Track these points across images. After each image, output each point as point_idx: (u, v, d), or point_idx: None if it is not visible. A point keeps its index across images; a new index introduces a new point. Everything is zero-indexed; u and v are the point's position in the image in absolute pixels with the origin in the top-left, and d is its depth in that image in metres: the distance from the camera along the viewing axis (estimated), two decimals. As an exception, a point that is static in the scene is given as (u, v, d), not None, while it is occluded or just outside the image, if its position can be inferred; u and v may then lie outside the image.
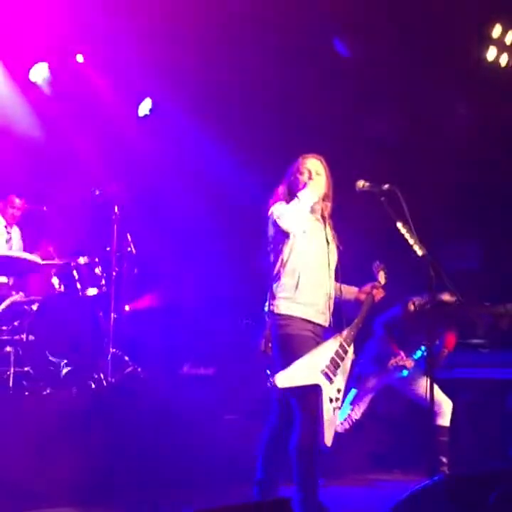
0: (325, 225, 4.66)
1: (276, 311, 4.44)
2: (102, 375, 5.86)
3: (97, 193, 6.30)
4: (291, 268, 4.48)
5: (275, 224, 4.50)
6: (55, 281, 5.70)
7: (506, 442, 6.56)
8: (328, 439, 4.30)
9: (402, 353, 6.16)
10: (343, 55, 7.69)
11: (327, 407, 4.31)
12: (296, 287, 4.46)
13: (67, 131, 7.13)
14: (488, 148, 7.83)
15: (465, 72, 7.60)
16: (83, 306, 6.00)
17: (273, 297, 4.47)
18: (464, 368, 7.06)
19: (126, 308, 6.78)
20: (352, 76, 7.79)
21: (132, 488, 5.08)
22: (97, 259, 6.20)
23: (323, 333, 4.53)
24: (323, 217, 4.67)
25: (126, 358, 6.18)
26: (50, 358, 5.57)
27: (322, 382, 4.32)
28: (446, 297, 5.89)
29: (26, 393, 5.40)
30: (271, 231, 4.56)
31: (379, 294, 4.82)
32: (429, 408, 4.46)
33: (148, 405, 5.59)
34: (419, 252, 4.47)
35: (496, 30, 7.47)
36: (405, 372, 6.20)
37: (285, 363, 4.33)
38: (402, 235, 4.51)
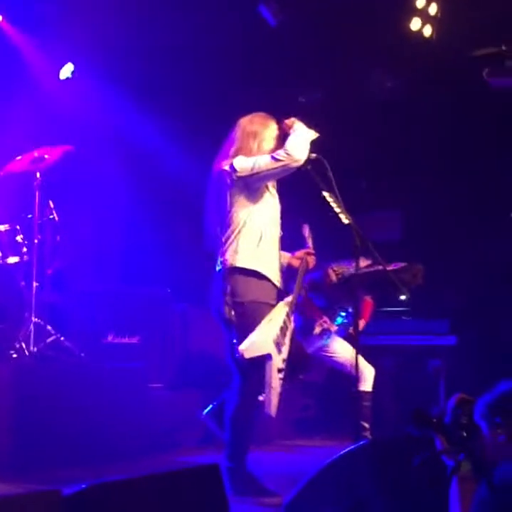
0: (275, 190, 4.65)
1: (240, 265, 4.34)
2: (23, 345, 5.75)
3: (18, 158, 6.14)
4: (254, 223, 4.41)
5: (251, 175, 4.39)
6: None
7: (427, 407, 6.71)
8: (274, 410, 4.29)
9: (326, 318, 6.20)
10: (270, 23, 7.63)
11: (276, 378, 4.27)
12: (258, 244, 4.39)
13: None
14: (409, 118, 7.92)
15: (389, 43, 7.65)
16: (4, 275, 5.87)
17: (235, 252, 4.36)
18: (387, 335, 7.18)
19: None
20: (278, 43, 7.76)
21: (54, 460, 5.00)
22: (18, 227, 6.04)
23: (277, 296, 4.49)
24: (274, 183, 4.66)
25: (49, 327, 6.07)
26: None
27: (273, 352, 4.29)
28: (361, 263, 5.92)
29: None
30: (233, 185, 4.43)
31: (312, 261, 4.83)
32: (352, 374, 4.52)
33: (72, 374, 5.52)
34: (345, 221, 4.51)
35: (420, 1, 7.51)
36: (327, 340, 6.24)
37: (247, 330, 4.27)
38: (328, 203, 4.54)
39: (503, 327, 7.24)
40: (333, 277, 6.19)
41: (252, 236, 4.40)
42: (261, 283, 4.39)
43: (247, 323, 4.30)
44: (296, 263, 4.79)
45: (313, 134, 4.51)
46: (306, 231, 4.99)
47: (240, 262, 4.37)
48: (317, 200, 4.61)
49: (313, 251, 4.89)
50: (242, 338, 4.27)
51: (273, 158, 4.38)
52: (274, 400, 4.29)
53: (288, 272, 4.76)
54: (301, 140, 4.43)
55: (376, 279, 5.87)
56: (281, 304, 4.46)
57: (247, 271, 4.37)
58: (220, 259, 4.45)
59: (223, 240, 4.44)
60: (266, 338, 4.28)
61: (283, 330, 4.38)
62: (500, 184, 7.61)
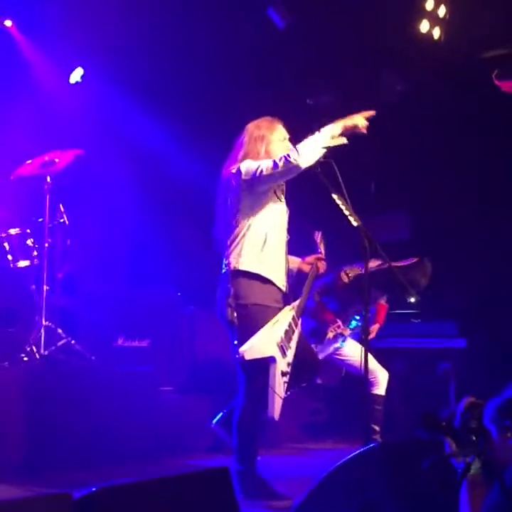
0: (283, 195, 4.66)
1: (243, 268, 4.35)
2: (34, 348, 5.78)
3: (29, 162, 6.17)
4: (259, 227, 4.41)
5: (252, 179, 4.37)
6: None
7: (437, 410, 6.69)
8: (277, 413, 4.28)
9: (339, 322, 6.20)
10: (279, 26, 7.63)
11: (279, 381, 4.26)
12: (262, 248, 4.39)
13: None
14: (417, 119, 7.91)
15: (398, 45, 7.65)
16: (15, 278, 5.89)
17: (239, 255, 4.38)
18: (397, 338, 7.17)
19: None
20: (286, 46, 7.77)
21: (64, 463, 5.01)
22: (28, 230, 6.07)
23: (283, 300, 4.50)
24: (282, 187, 4.66)
25: (60, 331, 6.10)
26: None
27: (277, 355, 4.27)
28: (370, 264, 5.89)
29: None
30: (239, 189, 4.43)
31: (323, 266, 4.83)
32: (364, 377, 4.50)
33: (83, 377, 5.54)
34: (354, 223, 4.50)
35: (429, 3, 7.51)
36: (342, 344, 6.23)
37: (249, 332, 4.27)
38: (338, 205, 4.54)
39: (514, 329, 7.23)
40: (345, 279, 6.18)
41: (256, 240, 4.41)
42: (265, 286, 4.39)
43: (250, 326, 4.29)
44: (306, 268, 4.80)
45: (337, 141, 4.42)
46: (318, 237, 5.00)
47: (244, 265, 4.38)
48: (326, 203, 4.62)
49: (324, 256, 4.89)
50: (244, 340, 4.27)
51: (274, 162, 4.35)
52: (278, 403, 4.27)
53: (298, 278, 4.76)
54: (312, 147, 4.35)
55: (386, 277, 5.86)
56: (287, 307, 4.46)
57: (251, 274, 4.37)
58: (224, 262, 4.47)
59: (228, 242, 4.47)
60: (269, 341, 4.27)
61: (288, 333, 4.37)
62: (509, 186, 7.59)
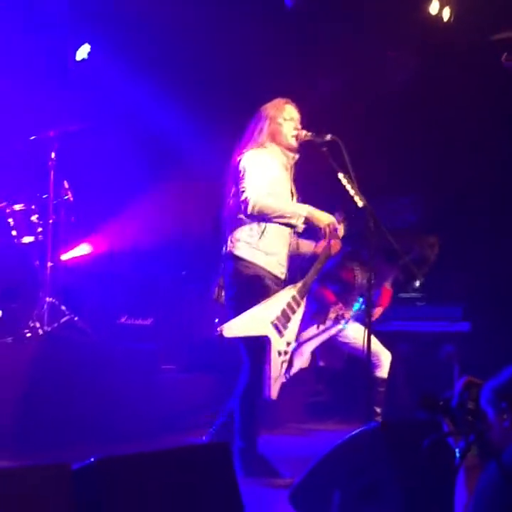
0: (290, 176, 4.64)
1: (237, 253, 4.39)
2: (37, 324, 5.77)
3: (33, 138, 6.14)
4: None
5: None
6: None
7: (440, 393, 6.67)
8: (274, 393, 4.29)
9: (341, 304, 6.18)
10: (287, 4, 7.58)
11: (275, 360, 4.27)
12: (262, 234, 4.41)
13: (1, 76, 6.90)
14: (428, 103, 7.86)
15: (407, 27, 7.60)
16: (19, 254, 5.89)
17: (236, 240, 4.42)
18: (401, 321, 7.16)
19: (63, 257, 6.68)
20: (295, 29, 7.72)
21: (69, 438, 5.02)
22: (33, 207, 6.05)
23: (282, 285, 4.49)
24: (290, 167, 4.65)
25: (63, 308, 6.09)
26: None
27: (272, 334, 4.27)
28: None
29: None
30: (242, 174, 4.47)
31: (336, 247, 4.75)
32: (367, 360, 4.49)
33: (85, 354, 5.54)
34: (360, 203, 4.47)
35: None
36: (345, 326, 6.21)
37: (237, 311, 4.30)
38: (343, 185, 4.52)
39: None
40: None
41: (255, 227, 4.44)
42: (260, 272, 4.41)
43: (243, 304, 4.32)
44: (319, 251, 4.76)
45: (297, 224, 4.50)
46: (340, 218, 4.91)
47: (240, 251, 4.43)
48: (333, 183, 4.60)
49: (338, 237, 4.76)
50: (233, 317, 4.29)
51: (246, 197, 4.36)
52: (274, 382, 4.28)
53: (312, 260, 4.74)
54: (276, 212, 4.39)
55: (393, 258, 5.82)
56: (287, 288, 4.47)
57: (245, 260, 4.41)
58: (225, 243, 4.50)
59: (230, 226, 4.52)
60: (260, 320, 4.28)
61: (285, 312, 4.37)
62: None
